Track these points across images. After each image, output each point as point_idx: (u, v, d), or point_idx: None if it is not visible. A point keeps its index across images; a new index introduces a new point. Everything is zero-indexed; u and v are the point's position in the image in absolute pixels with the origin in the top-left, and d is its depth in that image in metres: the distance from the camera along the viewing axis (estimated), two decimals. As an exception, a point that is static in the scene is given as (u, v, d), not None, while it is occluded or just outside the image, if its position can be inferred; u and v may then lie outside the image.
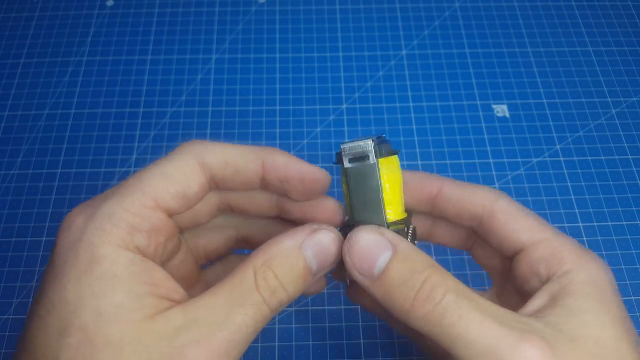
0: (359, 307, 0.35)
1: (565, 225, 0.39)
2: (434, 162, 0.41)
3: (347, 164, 0.22)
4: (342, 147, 0.23)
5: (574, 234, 0.38)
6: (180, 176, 0.21)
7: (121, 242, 0.19)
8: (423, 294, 0.19)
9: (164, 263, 0.22)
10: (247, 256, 0.20)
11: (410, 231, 0.24)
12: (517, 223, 0.22)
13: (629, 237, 0.38)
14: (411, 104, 0.44)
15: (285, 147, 0.42)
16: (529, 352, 0.17)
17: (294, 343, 0.34)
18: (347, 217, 0.24)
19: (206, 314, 0.18)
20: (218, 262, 0.28)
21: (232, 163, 0.22)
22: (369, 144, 0.22)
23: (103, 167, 0.41)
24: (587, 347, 0.18)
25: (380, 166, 0.22)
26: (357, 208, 0.23)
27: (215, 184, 0.22)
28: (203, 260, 0.27)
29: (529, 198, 0.40)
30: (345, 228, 0.23)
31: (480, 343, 0.18)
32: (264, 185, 0.23)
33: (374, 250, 0.20)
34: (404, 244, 0.21)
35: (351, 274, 0.21)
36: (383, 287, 0.20)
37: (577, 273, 0.20)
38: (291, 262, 0.20)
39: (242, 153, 0.22)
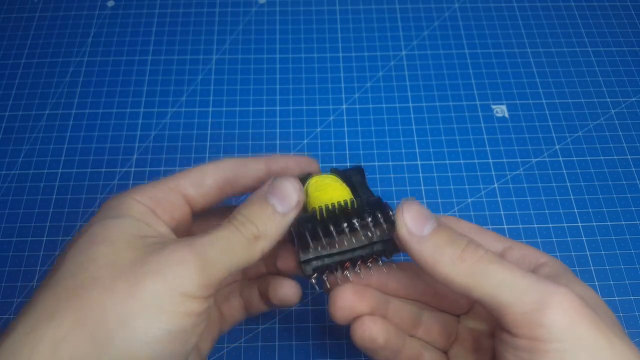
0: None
1: (565, 225, 0.39)
2: (433, 162, 0.42)
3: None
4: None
5: (573, 234, 0.38)
6: (198, 171, 0.26)
7: (140, 201, 0.24)
8: (470, 249, 0.23)
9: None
10: None
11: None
12: (486, 237, 0.27)
13: (628, 237, 0.38)
14: (411, 104, 0.45)
15: (286, 148, 0.42)
16: (564, 289, 0.22)
17: (294, 343, 0.35)
18: None
19: (191, 237, 0.23)
20: None
21: (242, 163, 0.27)
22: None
23: (104, 167, 0.41)
24: (592, 301, 0.23)
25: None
26: None
27: (230, 185, 0.27)
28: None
29: (528, 198, 0.40)
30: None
31: (525, 283, 0.22)
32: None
33: (424, 214, 0.24)
34: (444, 222, 0.25)
35: (400, 232, 0.24)
36: (432, 243, 0.23)
37: (554, 262, 0.26)
38: (255, 205, 0.24)
39: (250, 157, 0.28)
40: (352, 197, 0.26)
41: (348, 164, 0.41)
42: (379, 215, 0.25)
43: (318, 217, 0.25)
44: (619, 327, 0.23)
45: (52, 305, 0.20)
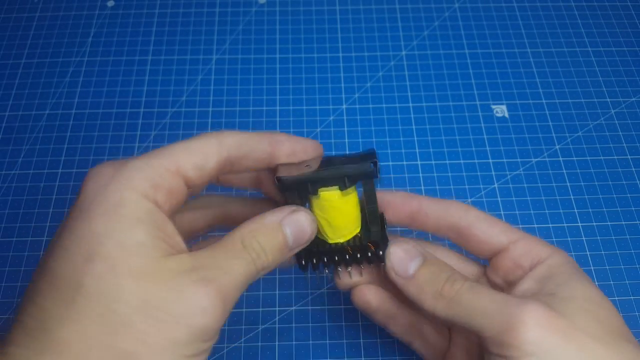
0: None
1: (565, 225, 0.39)
2: (433, 162, 0.42)
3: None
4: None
5: (573, 233, 0.38)
6: (201, 151, 0.24)
7: (143, 193, 0.22)
8: (448, 284, 0.25)
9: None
10: (234, 228, 0.24)
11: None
12: (493, 228, 0.28)
13: (627, 237, 0.38)
14: (411, 105, 0.45)
15: (286, 147, 0.42)
16: (531, 305, 0.22)
17: (294, 343, 0.35)
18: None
19: (211, 262, 0.22)
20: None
21: (246, 142, 0.25)
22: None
23: (104, 167, 0.41)
24: (579, 303, 0.23)
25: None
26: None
27: (230, 164, 0.25)
28: (185, 237, 0.29)
29: (528, 198, 0.40)
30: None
31: (493, 308, 0.23)
32: (272, 160, 0.26)
33: (410, 254, 0.26)
34: (430, 255, 0.27)
35: (389, 275, 0.26)
36: (416, 283, 0.26)
37: (554, 259, 0.26)
38: (272, 234, 0.24)
39: (254, 135, 0.26)
40: (359, 228, 0.28)
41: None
42: (375, 257, 0.28)
43: (320, 249, 0.28)
44: (608, 328, 0.23)
45: (81, 352, 0.19)
